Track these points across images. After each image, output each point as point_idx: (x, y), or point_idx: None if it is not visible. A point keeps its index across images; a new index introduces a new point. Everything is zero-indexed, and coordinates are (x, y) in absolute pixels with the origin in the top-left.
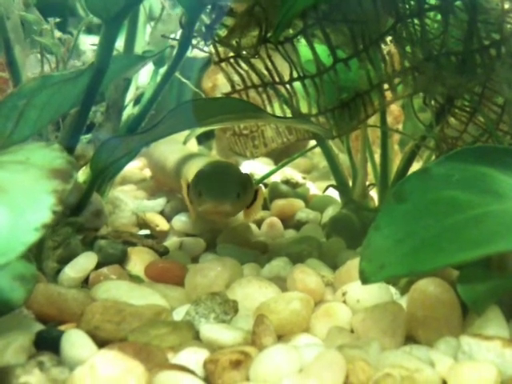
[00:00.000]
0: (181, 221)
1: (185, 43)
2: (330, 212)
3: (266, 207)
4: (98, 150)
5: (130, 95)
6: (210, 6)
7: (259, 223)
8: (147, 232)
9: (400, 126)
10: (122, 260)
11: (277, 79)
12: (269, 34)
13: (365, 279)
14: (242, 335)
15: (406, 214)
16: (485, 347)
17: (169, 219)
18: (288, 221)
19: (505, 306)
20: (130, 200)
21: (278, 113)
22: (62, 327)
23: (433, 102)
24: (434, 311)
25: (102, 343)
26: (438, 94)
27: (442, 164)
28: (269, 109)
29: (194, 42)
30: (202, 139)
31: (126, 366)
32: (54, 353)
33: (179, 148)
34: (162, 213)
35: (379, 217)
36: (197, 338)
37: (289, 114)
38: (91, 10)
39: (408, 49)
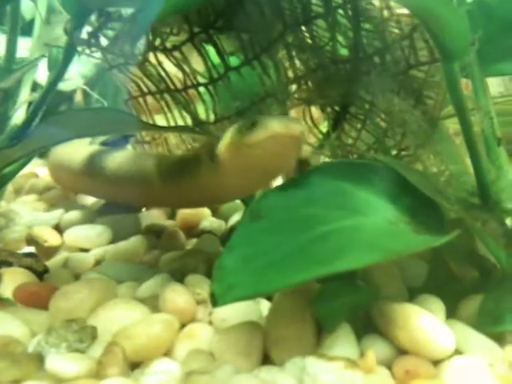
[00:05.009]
0: (74, 235)
1: (70, 50)
2: (234, 220)
3: (173, 216)
4: None
5: (21, 102)
6: (96, 13)
7: (159, 233)
8: (32, 249)
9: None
10: None
11: (171, 86)
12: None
13: (214, 302)
14: (88, 366)
15: (258, 232)
16: (327, 368)
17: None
18: (193, 230)
19: (360, 323)
20: (27, 212)
21: (179, 119)
22: None
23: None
24: (286, 329)
25: None
26: (329, 101)
27: (300, 180)
28: (169, 115)
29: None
30: None
31: None
32: None
33: (85, 147)
34: (57, 226)
35: (232, 236)
36: (44, 369)
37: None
38: None
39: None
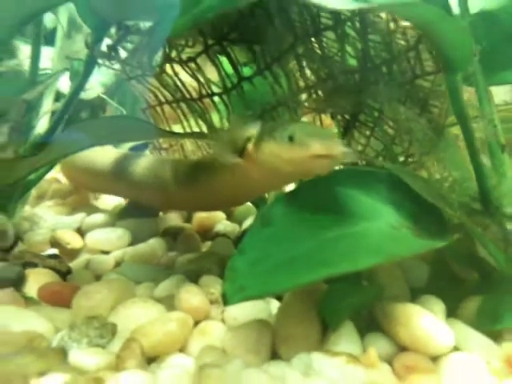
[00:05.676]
0: (95, 238)
1: (90, 62)
2: (247, 224)
3: (189, 220)
4: None
5: (44, 111)
6: (115, 26)
7: (176, 236)
8: (55, 251)
9: None
10: (18, 283)
11: (187, 95)
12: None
13: (226, 301)
14: (108, 360)
15: (268, 237)
16: (331, 363)
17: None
18: (208, 233)
19: (364, 321)
20: (50, 216)
21: (195, 127)
22: None
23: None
24: (294, 328)
25: None
26: (339, 110)
27: (308, 187)
28: (185, 124)
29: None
30: None
31: None
32: None
33: (111, 151)
34: (79, 229)
35: (244, 240)
36: (68, 363)
37: (204, 129)
38: None
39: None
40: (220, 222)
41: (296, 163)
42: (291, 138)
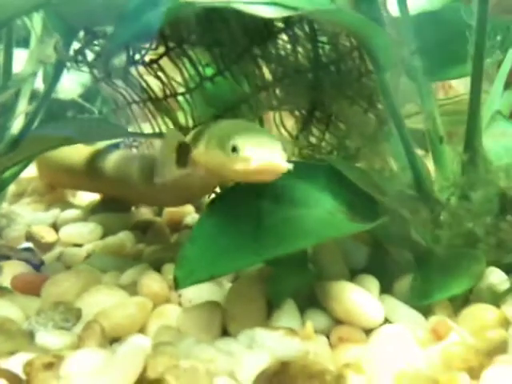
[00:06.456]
0: (68, 232)
1: (59, 66)
2: None
3: (160, 214)
4: None
5: (19, 112)
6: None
7: (146, 229)
8: (29, 245)
9: None
10: None
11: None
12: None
13: (177, 285)
14: (71, 340)
15: (215, 226)
16: (271, 337)
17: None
18: (178, 226)
19: (305, 299)
20: (28, 213)
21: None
22: None
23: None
24: (242, 307)
25: None
26: (296, 107)
27: None
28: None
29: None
30: None
31: None
32: None
33: (83, 148)
34: (54, 224)
35: (194, 229)
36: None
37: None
38: None
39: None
40: (189, 214)
41: (239, 174)
42: (235, 149)
